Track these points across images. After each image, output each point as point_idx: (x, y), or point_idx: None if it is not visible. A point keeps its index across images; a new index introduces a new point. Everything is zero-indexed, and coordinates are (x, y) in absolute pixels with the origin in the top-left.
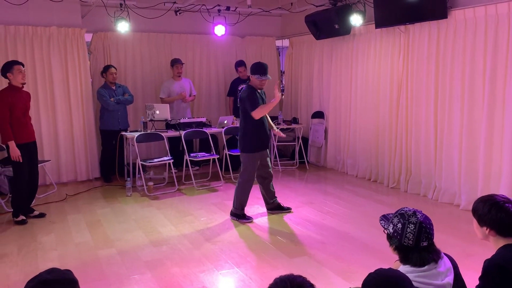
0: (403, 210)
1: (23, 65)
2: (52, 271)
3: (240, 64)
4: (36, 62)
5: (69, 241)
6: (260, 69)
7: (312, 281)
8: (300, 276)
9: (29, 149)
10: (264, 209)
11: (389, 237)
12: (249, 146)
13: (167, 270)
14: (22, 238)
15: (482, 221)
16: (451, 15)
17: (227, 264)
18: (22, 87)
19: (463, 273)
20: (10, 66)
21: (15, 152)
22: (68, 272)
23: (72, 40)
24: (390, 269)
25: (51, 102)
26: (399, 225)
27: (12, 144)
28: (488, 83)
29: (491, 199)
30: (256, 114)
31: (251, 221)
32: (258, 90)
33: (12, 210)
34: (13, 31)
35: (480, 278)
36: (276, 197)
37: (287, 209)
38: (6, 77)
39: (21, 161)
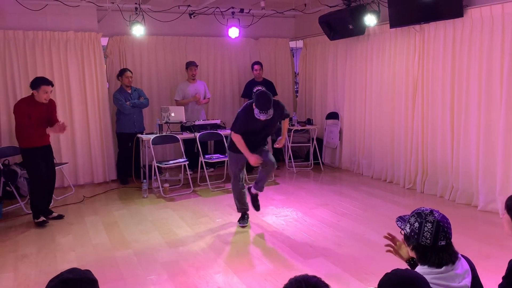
0: (420, 210)
1: (52, 85)
2: (73, 270)
3: (255, 63)
4: (53, 66)
5: (86, 242)
6: (260, 105)
7: (328, 283)
8: (314, 277)
9: (44, 151)
10: (278, 211)
11: (407, 237)
12: (231, 146)
13: (183, 271)
14: (41, 239)
15: None
16: (467, 13)
17: (242, 265)
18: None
19: (482, 275)
20: (37, 85)
21: (59, 128)
22: (88, 272)
23: (88, 44)
24: (407, 269)
25: (68, 106)
26: (416, 224)
27: (49, 130)
28: (506, 82)
29: None
30: (235, 137)
31: (243, 227)
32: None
33: (32, 211)
34: (31, 36)
35: (505, 277)
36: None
37: (256, 207)
38: (33, 91)
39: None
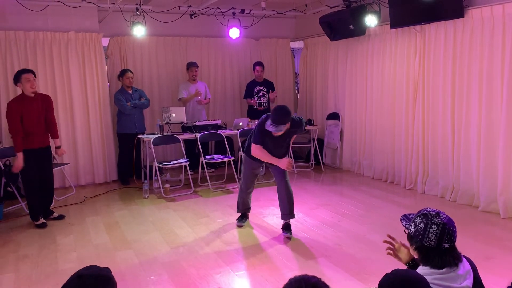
0: (426, 211)
1: (33, 73)
2: (91, 267)
3: (257, 63)
4: (55, 66)
5: (87, 242)
6: (274, 118)
7: (328, 283)
8: (314, 277)
9: (39, 153)
10: (279, 211)
11: (410, 237)
12: (249, 151)
13: (184, 272)
14: (42, 239)
15: None
16: (468, 14)
17: (243, 265)
18: (34, 95)
19: (482, 276)
20: (18, 76)
21: (19, 164)
22: (105, 269)
23: (89, 45)
24: (407, 270)
25: (69, 106)
26: (422, 225)
27: (20, 156)
28: (506, 83)
29: None
30: (254, 149)
31: (239, 226)
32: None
33: (29, 213)
34: (32, 37)
35: None
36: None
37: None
38: (18, 86)
39: (17, 172)
